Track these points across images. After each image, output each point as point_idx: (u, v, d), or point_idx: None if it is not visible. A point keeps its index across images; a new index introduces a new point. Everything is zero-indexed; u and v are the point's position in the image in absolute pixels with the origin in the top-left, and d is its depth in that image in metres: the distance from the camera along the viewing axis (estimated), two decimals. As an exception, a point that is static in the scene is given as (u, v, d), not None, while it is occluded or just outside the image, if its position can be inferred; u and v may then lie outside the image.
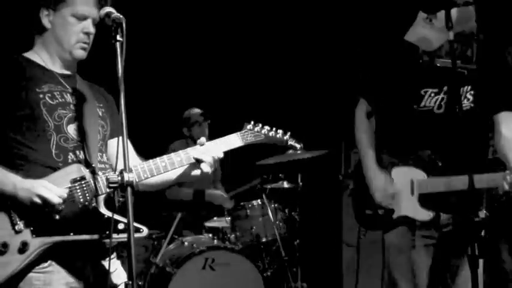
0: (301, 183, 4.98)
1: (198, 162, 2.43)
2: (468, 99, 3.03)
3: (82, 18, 2.34)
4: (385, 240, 3.13)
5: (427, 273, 3.08)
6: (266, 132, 2.60)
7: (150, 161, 2.41)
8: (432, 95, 3.03)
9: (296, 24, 5.94)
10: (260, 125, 2.59)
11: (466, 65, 2.96)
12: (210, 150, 2.45)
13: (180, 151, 2.44)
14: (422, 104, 3.04)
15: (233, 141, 2.53)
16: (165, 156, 2.42)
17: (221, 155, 2.47)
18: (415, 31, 3.01)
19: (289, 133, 2.67)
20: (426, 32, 2.96)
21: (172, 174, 2.49)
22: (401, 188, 3.06)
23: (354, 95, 3.27)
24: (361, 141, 3.19)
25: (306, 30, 5.94)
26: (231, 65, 6.01)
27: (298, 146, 2.68)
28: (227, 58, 5.98)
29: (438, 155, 3.01)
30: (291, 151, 4.36)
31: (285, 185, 5.04)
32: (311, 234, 5.13)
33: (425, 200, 3.01)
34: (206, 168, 2.43)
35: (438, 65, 2.98)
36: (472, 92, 3.02)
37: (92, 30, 2.37)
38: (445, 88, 3.02)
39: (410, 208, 3.04)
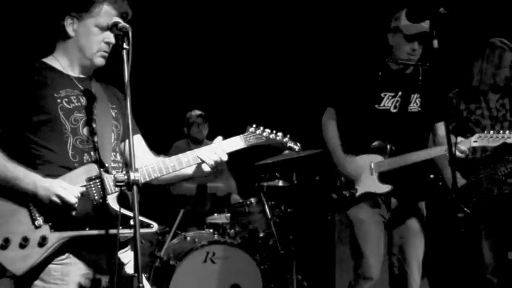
0: (295, 182, 5.00)
1: (202, 161, 2.51)
2: (416, 104, 3.64)
3: (104, 29, 2.40)
4: (349, 217, 3.65)
5: (384, 243, 3.65)
6: (267, 135, 2.64)
7: (160, 160, 2.48)
8: (390, 97, 3.61)
9: (294, 29, 6.02)
10: (261, 128, 2.63)
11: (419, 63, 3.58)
12: (215, 152, 2.51)
13: (188, 152, 2.51)
14: (382, 104, 3.60)
15: (236, 143, 2.57)
16: (174, 157, 2.49)
17: (224, 159, 2.53)
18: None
19: (288, 135, 2.71)
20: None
21: (182, 171, 2.54)
22: (363, 170, 3.59)
23: (323, 104, 3.81)
24: (331, 140, 3.72)
25: (304, 35, 6.02)
26: (234, 69, 6.15)
27: (296, 147, 2.72)
28: (231, 62, 6.13)
29: (392, 143, 3.56)
30: (287, 151, 4.58)
31: (281, 183, 5.10)
32: (305, 230, 5.19)
33: (384, 177, 3.57)
34: (206, 168, 2.53)
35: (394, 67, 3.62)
36: (420, 99, 3.63)
37: (113, 40, 2.41)
38: (400, 93, 3.61)
39: (371, 185, 3.58)
